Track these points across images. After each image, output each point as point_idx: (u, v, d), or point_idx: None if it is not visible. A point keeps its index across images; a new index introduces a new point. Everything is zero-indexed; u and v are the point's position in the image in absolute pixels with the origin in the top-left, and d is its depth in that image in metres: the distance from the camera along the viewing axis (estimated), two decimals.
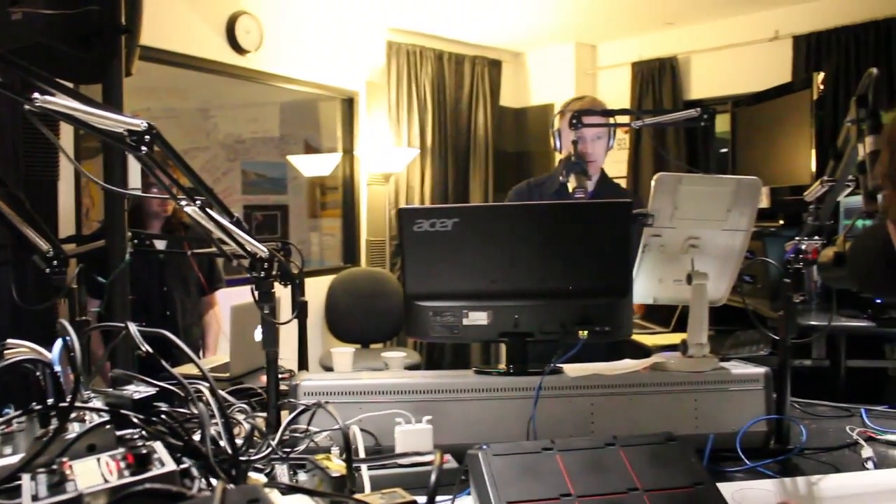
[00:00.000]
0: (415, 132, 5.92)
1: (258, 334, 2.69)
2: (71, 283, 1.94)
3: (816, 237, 1.70)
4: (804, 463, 1.76)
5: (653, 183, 1.79)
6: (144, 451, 0.71)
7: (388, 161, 5.65)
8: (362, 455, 1.51)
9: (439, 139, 6.10)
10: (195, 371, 2.80)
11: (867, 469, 1.69)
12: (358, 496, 0.72)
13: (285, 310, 2.17)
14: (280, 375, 2.33)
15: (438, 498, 1.49)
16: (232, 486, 0.66)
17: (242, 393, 2.24)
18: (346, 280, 5.37)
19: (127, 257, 2.03)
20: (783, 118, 4.11)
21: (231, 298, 3.40)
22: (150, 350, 0.93)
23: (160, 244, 3.32)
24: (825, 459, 1.77)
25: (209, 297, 3.61)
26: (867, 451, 1.76)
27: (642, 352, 3.40)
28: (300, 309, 2.27)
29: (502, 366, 1.87)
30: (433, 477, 0.69)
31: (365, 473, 1.44)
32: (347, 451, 0.87)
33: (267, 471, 1.04)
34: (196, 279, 3.50)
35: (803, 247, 1.74)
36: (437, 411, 1.70)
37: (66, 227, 3.70)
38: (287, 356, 2.48)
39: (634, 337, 3.83)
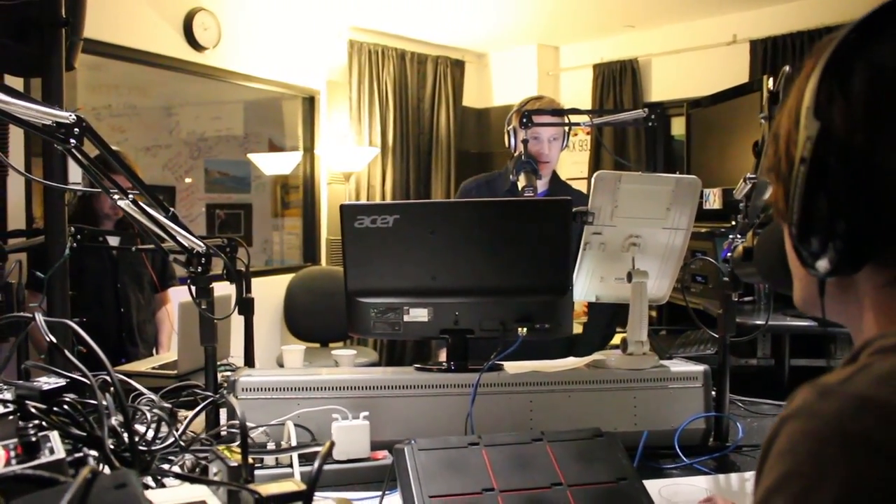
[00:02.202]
0: (376, 131, 5.90)
1: None
2: (8, 278, 1.92)
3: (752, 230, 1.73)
4: (741, 459, 1.78)
5: (592, 181, 1.80)
6: (34, 440, 0.71)
7: (349, 160, 5.63)
8: None
9: (401, 139, 6.09)
10: (144, 368, 2.76)
11: None
12: (251, 486, 0.72)
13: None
14: (230, 372, 2.33)
15: (370, 494, 1.50)
16: (126, 469, 0.65)
17: (185, 389, 2.22)
18: (304, 279, 5.34)
19: (66, 252, 2.00)
20: (736, 120, 4.17)
21: (184, 295, 3.37)
22: (54, 340, 0.91)
23: (113, 241, 3.29)
24: None
25: (162, 294, 3.59)
26: None
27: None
28: (247, 306, 2.25)
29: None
30: (317, 464, 0.69)
31: (296, 468, 1.44)
32: (243, 442, 0.86)
33: (179, 462, 1.03)
34: (150, 276, 3.48)
35: (738, 245, 1.76)
36: (376, 408, 1.70)
37: (16, 222, 3.65)
38: (241, 354, 2.47)
39: None
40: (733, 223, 3.88)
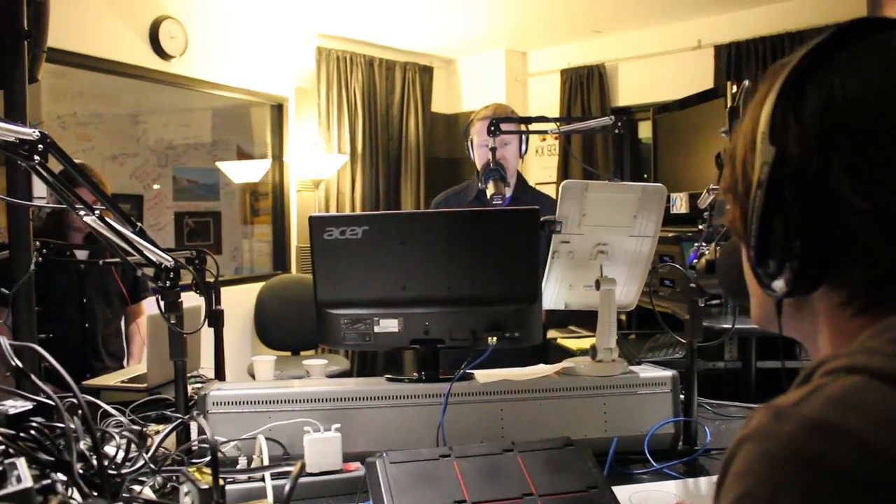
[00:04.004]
0: (345, 138, 5.89)
1: None
2: None
3: (714, 242, 1.76)
4: (710, 463, 1.80)
5: (560, 190, 1.82)
6: (0, 469, 0.70)
7: (318, 167, 5.62)
8: (266, 463, 1.51)
9: (370, 145, 6.09)
10: (113, 381, 2.73)
11: None
12: None
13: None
14: (201, 385, 2.31)
15: None
16: (95, 499, 0.65)
17: (157, 403, 2.21)
18: (275, 287, 5.31)
19: (32, 268, 1.98)
20: (702, 125, 4.21)
21: (154, 308, 3.33)
22: (20, 364, 0.90)
23: (81, 254, 3.25)
24: None
25: (135, 307, 3.54)
26: None
27: (568, 356, 3.44)
28: (217, 318, 2.24)
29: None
30: (288, 486, 0.69)
31: (269, 483, 1.43)
32: (214, 463, 0.86)
33: (151, 484, 1.03)
34: (118, 290, 3.43)
35: (704, 252, 1.79)
36: (348, 419, 1.70)
37: None
38: (211, 365, 2.46)
39: (561, 341, 3.88)
40: (700, 228, 3.93)
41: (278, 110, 5.73)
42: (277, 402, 1.73)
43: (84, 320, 3.25)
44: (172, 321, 1.68)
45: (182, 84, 4.95)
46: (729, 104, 3.84)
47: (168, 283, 1.65)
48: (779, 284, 0.68)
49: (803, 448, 0.55)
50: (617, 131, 2.38)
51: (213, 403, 1.71)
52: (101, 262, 2.52)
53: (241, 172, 6.04)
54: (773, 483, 0.55)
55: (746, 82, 1.37)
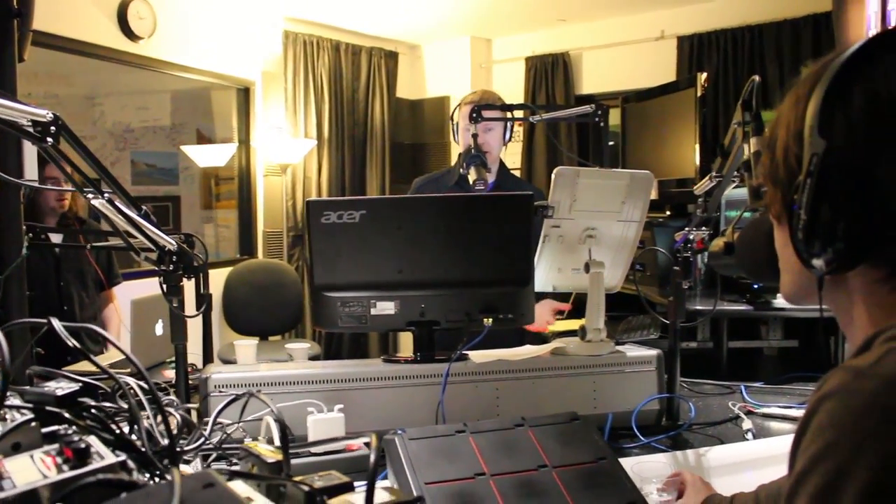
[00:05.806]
0: (312, 123, 5.88)
1: (159, 328, 2.66)
2: None
3: (704, 227, 1.83)
4: (692, 437, 1.89)
5: (553, 176, 1.87)
6: (83, 446, 0.72)
7: (285, 152, 5.60)
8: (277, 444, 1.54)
9: (336, 130, 6.09)
10: (93, 367, 2.73)
11: (747, 440, 1.84)
12: (297, 478, 0.75)
13: (188, 303, 2.16)
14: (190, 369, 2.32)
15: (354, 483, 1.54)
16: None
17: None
18: (243, 272, 5.30)
19: (24, 252, 1.97)
20: (669, 114, 4.31)
21: (127, 292, 3.32)
22: (78, 345, 0.93)
23: (56, 238, 3.22)
24: (711, 433, 1.91)
25: (107, 292, 3.53)
26: (747, 424, 1.92)
27: (540, 338, 3.51)
28: (206, 301, 2.25)
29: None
30: (372, 458, 0.73)
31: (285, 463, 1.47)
32: (283, 436, 0.90)
33: (191, 462, 1.05)
34: (94, 274, 3.42)
35: (691, 237, 1.87)
36: (347, 400, 1.73)
37: None
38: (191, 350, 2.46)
39: None
40: (668, 213, 4.01)
41: (245, 94, 5.69)
42: (278, 383, 1.76)
43: (62, 304, 3.23)
44: (175, 304, 1.70)
45: (149, 66, 4.89)
46: (699, 93, 3.96)
47: (171, 266, 1.67)
48: (819, 263, 0.75)
49: (887, 402, 0.62)
50: (597, 120, 2.44)
51: (215, 386, 1.73)
52: (88, 246, 2.50)
53: (205, 156, 5.99)
54: (859, 434, 0.61)
55: (756, 77, 1.44)
